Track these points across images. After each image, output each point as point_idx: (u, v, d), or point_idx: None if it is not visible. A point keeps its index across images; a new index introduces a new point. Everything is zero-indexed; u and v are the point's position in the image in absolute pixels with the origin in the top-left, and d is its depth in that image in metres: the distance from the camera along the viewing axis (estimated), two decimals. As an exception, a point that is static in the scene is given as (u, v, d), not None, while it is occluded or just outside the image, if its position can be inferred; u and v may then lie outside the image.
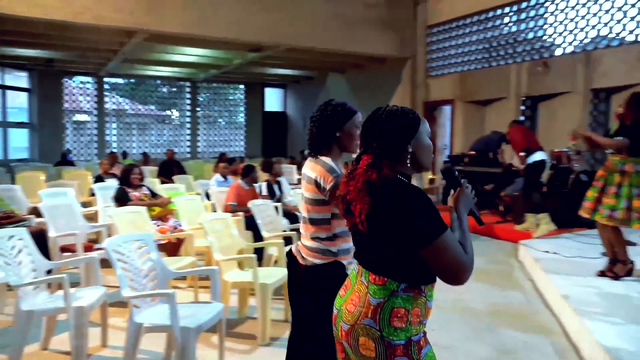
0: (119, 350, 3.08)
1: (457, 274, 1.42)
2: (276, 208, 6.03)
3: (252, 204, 4.62)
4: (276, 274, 3.68)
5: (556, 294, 4.22)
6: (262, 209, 4.64)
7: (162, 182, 8.08)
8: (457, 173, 1.67)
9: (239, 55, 12.56)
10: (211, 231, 3.66)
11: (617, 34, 8.42)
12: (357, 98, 14.97)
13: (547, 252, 5.46)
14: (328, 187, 1.99)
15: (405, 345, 1.43)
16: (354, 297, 1.51)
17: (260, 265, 4.54)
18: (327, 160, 2.06)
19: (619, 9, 8.32)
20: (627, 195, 4.20)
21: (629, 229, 4.38)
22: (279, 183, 6.60)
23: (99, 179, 7.58)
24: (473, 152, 7.76)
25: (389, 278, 1.45)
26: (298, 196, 5.96)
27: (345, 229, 2.05)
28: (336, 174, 1.99)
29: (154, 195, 5.48)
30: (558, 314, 4.07)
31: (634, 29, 8.16)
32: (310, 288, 2.09)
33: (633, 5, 8.13)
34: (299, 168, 12.36)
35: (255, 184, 5.80)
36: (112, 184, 6.27)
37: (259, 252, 4.74)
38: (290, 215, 6.13)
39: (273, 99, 20.05)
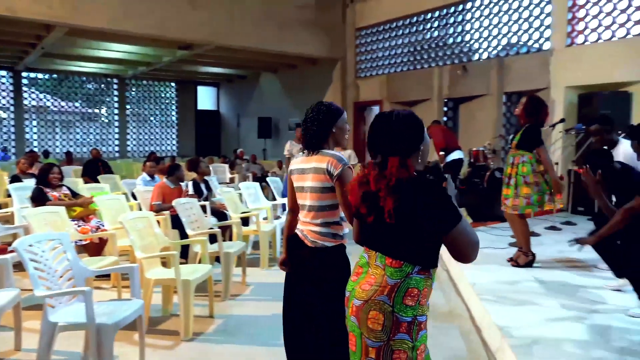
0: (34, 353, 3.03)
1: (471, 254, 1.66)
2: (203, 207, 6.05)
3: (176, 203, 4.63)
4: (200, 270, 3.74)
5: (465, 282, 4.59)
6: (187, 207, 4.67)
7: (86, 182, 7.81)
8: (442, 169, 1.92)
9: (168, 53, 12.33)
10: (132, 230, 3.66)
11: (525, 43, 9.14)
12: (289, 97, 15.14)
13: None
14: (336, 172, 2.19)
15: (410, 323, 1.62)
16: (369, 278, 1.67)
17: (186, 262, 4.59)
18: (332, 151, 2.29)
19: (525, 20, 9.04)
20: (515, 184, 4.66)
21: (535, 221, 4.83)
22: (206, 182, 6.60)
23: (15, 178, 7.20)
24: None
25: (404, 261, 1.63)
26: (227, 194, 6.00)
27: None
28: (344, 162, 2.22)
29: (74, 195, 5.33)
30: (467, 300, 4.42)
31: (538, 39, 8.91)
32: (315, 276, 2.25)
33: (537, 17, 8.87)
34: (232, 167, 12.33)
35: (181, 183, 5.79)
36: (30, 184, 6.01)
37: (185, 250, 4.78)
38: (219, 214, 6.17)
39: (206, 98, 19.79)
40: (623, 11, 7.79)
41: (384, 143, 1.71)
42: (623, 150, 4.31)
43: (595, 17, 8.12)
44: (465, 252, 1.65)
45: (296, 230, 2.39)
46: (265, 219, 6.02)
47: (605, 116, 4.66)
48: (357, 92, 12.51)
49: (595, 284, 4.35)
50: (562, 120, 6.82)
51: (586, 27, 8.24)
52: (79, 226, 4.90)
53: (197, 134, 19.34)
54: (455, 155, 7.81)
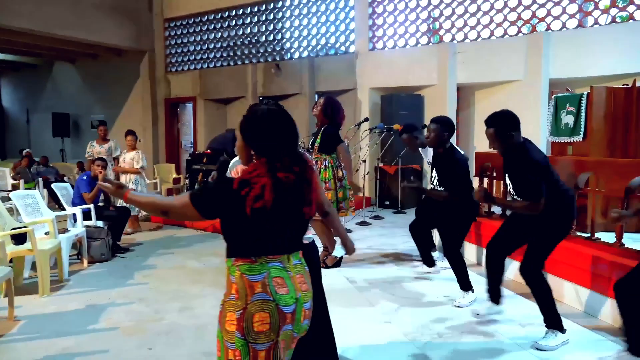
0: None
1: None
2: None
3: None
4: None
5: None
6: None
7: None
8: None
9: None
10: None
11: (333, 45, 9.50)
12: (91, 90, 13.48)
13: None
14: None
15: None
16: (298, 279, 1.67)
17: None
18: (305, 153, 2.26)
19: (333, 23, 9.40)
20: None
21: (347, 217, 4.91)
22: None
23: None
24: (209, 151, 7.67)
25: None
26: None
27: None
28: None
29: None
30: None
31: (344, 42, 9.34)
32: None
33: (342, 21, 9.29)
34: (16, 171, 10.38)
35: None
36: None
37: None
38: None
39: (-18, 88, 16.48)
40: (413, 22, 8.59)
41: (278, 140, 1.67)
42: None
43: (391, 25, 8.80)
44: None
45: None
46: (47, 234, 5.00)
47: (412, 125, 4.95)
48: (168, 87, 11.63)
49: (407, 275, 4.55)
50: (365, 120, 7.18)
51: (384, 34, 8.88)
52: None
53: (-29, 133, 16.04)
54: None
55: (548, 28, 7.49)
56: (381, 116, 8.80)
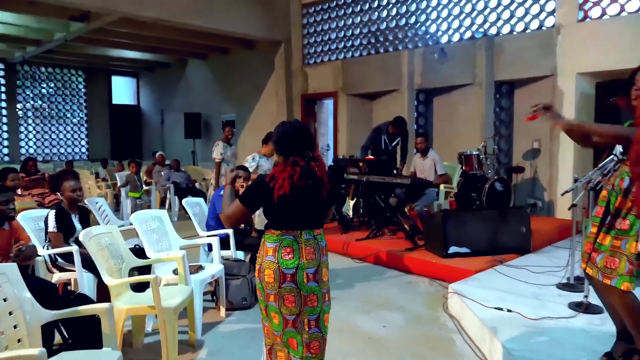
0: None
1: None
2: (69, 256, 3.60)
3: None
4: None
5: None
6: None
7: None
8: None
9: (59, 26, 9.47)
10: None
11: (521, 18, 7.29)
12: (222, 88, 12.73)
13: (499, 308, 3.66)
14: None
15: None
16: (307, 251, 2.19)
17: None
18: None
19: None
20: (628, 229, 2.59)
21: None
22: (83, 211, 4.11)
23: None
24: (372, 157, 5.94)
25: (322, 227, 2.31)
26: (97, 238, 3.51)
27: None
28: None
29: None
30: None
31: (539, 13, 7.09)
32: None
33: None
34: (149, 174, 9.77)
35: (13, 216, 3.24)
36: None
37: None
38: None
39: (123, 90, 16.82)
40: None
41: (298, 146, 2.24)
42: None
43: (613, -16, 6.39)
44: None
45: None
46: (175, 272, 3.64)
47: None
48: (305, 82, 10.25)
49: None
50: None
51: (603, -3, 6.49)
52: None
53: (112, 134, 16.41)
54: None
55: None
56: (595, 112, 6.48)
